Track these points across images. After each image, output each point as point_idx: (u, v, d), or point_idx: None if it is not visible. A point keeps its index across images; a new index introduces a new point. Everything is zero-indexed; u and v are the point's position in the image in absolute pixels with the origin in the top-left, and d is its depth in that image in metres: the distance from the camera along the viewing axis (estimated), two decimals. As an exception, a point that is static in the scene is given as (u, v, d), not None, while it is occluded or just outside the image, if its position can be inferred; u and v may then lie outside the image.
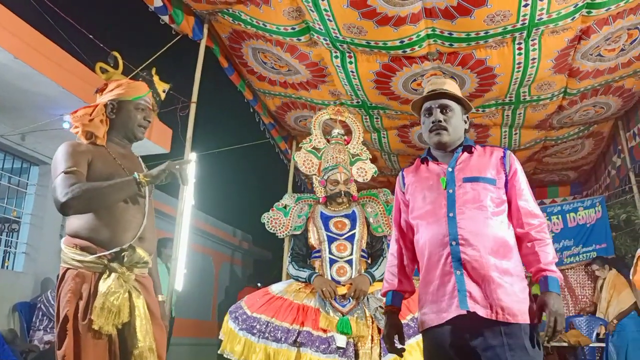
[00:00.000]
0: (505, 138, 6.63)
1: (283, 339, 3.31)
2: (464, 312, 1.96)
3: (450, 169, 2.16)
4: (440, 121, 2.16)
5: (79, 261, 2.13)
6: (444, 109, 2.18)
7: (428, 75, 5.13)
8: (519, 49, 4.65)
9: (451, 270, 2.02)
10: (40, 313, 5.32)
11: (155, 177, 2.17)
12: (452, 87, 2.24)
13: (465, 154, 2.19)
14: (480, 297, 1.96)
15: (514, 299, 1.96)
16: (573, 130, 6.61)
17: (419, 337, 3.21)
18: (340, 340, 3.28)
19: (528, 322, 1.96)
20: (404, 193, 2.31)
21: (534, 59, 4.77)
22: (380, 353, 3.30)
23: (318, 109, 6.13)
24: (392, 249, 2.36)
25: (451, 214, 2.06)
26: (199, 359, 9.25)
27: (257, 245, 12.60)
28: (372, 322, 3.40)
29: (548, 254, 2.03)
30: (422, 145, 7.01)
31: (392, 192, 4.08)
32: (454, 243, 2.03)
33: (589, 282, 7.48)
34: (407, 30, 4.42)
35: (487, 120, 6.19)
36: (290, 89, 5.82)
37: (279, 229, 3.97)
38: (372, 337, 3.34)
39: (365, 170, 4.00)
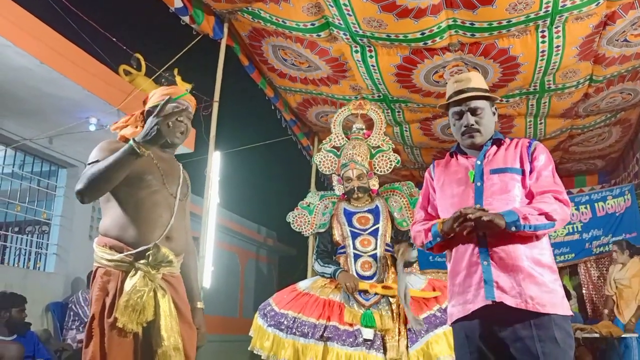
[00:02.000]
0: (530, 128, 6.54)
1: (310, 334, 3.36)
2: (489, 302, 1.95)
3: (479, 162, 2.15)
4: (472, 124, 2.15)
5: (107, 260, 2.16)
6: (474, 111, 2.16)
7: (450, 66, 5.08)
8: (543, 37, 4.58)
9: (478, 261, 2.01)
10: (72, 313, 5.44)
11: (146, 133, 2.07)
12: (477, 82, 2.21)
13: (494, 147, 2.18)
14: (508, 287, 1.95)
15: (544, 289, 1.94)
16: (600, 118, 6.48)
17: (446, 327, 3.22)
18: (367, 333, 3.32)
19: (559, 313, 1.93)
20: (432, 179, 2.31)
21: (558, 46, 4.69)
22: (407, 345, 3.32)
23: (339, 105, 6.12)
24: (419, 216, 2.31)
25: (478, 206, 2.04)
26: (227, 355, 9.33)
27: (281, 242, 12.64)
28: (399, 315, 3.40)
29: (547, 204, 1.96)
30: (445, 138, 6.96)
31: (417, 185, 4.09)
32: (481, 234, 2.01)
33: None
34: (427, 21, 4.38)
35: (512, 110, 6.11)
36: (311, 85, 5.82)
37: (304, 228, 4.03)
38: (398, 330, 3.36)
39: (387, 160, 3.96)
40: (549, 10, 4.21)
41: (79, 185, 2.12)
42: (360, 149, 3.91)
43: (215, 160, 5.47)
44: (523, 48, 4.73)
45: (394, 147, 4.12)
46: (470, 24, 4.42)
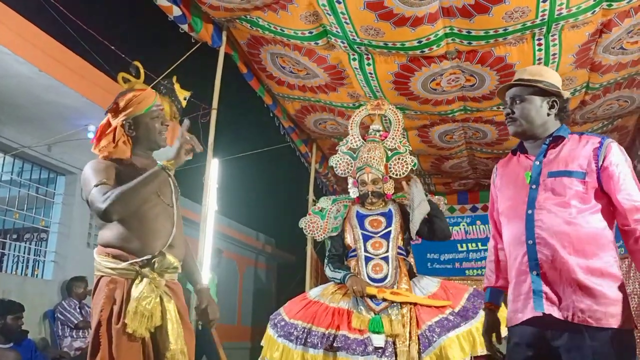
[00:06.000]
0: (527, 135, 6.55)
1: (319, 345, 3.31)
2: (539, 314, 1.90)
3: (537, 163, 2.06)
4: (508, 113, 2.12)
5: (111, 269, 2.20)
6: (513, 100, 2.12)
7: (447, 74, 5.11)
8: (539, 44, 4.60)
9: (527, 270, 1.95)
10: (60, 322, 5.42)
11: (177, 156, 2.25)
12: (533, 72, 2.14)
13: (558, 145, 2.07)
14: (558, 299, 1.87)
15: (602, 301, 1.84)
16: (597, 125, 6.50)
17: (459, 330, 3.22)
18: (377, 340, 3.26)
19: (620, 326, 1.82)
20: (495, 187, 2.26)
21: (554, 54, 4.71)
22: (419, 350, 3.27)
23: (337, 112, 6.15)
24: (489, 244, 2.32)
25: (530, 212, 1.98)
26: (226, 363, 9.30)
27: (280, 249, 12.64)
28: (410, 320, 3.35)
29: None
30: (443, 145, 6.98)
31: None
32: (530, 242, 1.96)
33: None
34: (424, 30, 4.41)
35: (509, 117, 6.13)
36: (309, 93, 5.84)
37: (317, 232, 3.97)
38: (409, 334, 3.30)
39: (403, 163, 3.93)
40: (545, 19, 4.23)
41: (105, 204, 2.11)
42: (375, 152, 3.88)
43: (214, 168, 5.47)
44: (520, 56, 4.75)
45: (411, 149, 4.08)
46: (467, 32, 4.44)
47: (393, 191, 3.95)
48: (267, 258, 12.40)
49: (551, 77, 2.14)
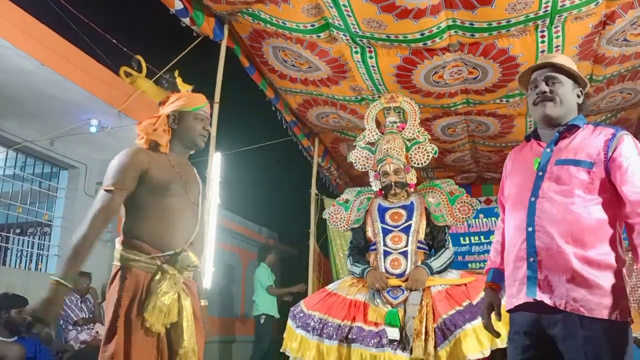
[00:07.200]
0: (530, 128, 6.54)
1: (335, 336, 3.34)
2: (530, 300, 1.91)
3: (548, 150, 2.05)
4: (544, 92, 2.06)
5: (133, 261, 2.21)
6: (549, 80, 2.07)
7: (450, 67, 5.09)
8: (542, 36, 4.58)
9: (524, 257, 1.96)
10: (61, 317, 5.44)
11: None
12: (563, 60, 2.12)
13: (571, 134, 2.05)
14: (551, 286, 1.88)
15: (597, 292, 1.83)
16: (600, 117, 6.47)
17: (475, 323, 3.19)
18: (392, 333, 3.26)
19: (612, 318, 1.81)
20: (505, 172, 2.26)
21: (557, 46, 4.68)
22: (435, 345, 3.25)
23: (339, 106, 6.14)
24: (497, 225, 2.33)
25: (532, 199, 1.98)
26: (229, 356, 9.33)
27: (283, 243, 12.65)
28: (426, 315, 3.33)
29: None
30: (445, 138, 6.96)
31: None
32: (529, 229, 1.96)
33: None
34: (427, 22, 4.39)
35: (512, 110, 6.11)
36: (311, 86, 5.83)
37: (340, 224, 4.01)
38: (426, 329, 3.28)
39: (424, 152, 3.93)
40: (548, 10, 4.21)
41: (77, 236, 2.20)
42: (395, 142, 3.88)
43: (216, 162, 5.48)
44: (523, 48, 4.73)
45: (430, 137, 4.08)
46: (469, 24, 4.42)
47: (416, 181, 3.93)
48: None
49: (574, 67, 2.14)
